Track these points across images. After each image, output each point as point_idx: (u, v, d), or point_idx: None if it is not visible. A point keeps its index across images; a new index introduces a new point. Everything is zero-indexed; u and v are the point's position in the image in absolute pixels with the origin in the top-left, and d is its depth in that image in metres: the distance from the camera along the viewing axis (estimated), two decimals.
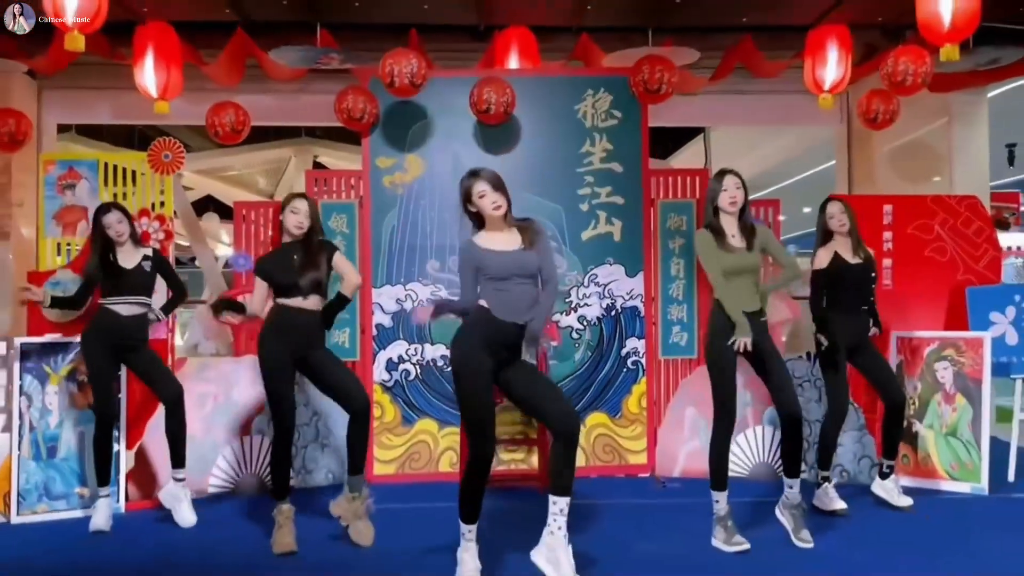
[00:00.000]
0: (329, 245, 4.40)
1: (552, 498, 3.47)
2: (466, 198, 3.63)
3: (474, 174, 3.62)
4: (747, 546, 3.97)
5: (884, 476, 4.85)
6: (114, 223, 4.67)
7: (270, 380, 4.17)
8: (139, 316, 4.70)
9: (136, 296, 4.68)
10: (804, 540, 4.03)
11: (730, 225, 4.17)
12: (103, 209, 4.73)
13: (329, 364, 4.30)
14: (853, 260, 4.76)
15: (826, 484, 4.75)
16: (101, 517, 4.55)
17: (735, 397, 4.12)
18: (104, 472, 4.65)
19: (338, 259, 4.35)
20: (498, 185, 3.60)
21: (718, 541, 4.06)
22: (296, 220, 4.27)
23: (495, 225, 3.63)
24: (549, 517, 3.47)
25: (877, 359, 4.83)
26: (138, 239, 4.84)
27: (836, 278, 4.76)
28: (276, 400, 4.18)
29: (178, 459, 4.72)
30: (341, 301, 4.32)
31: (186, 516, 4.62)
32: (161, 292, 4.93)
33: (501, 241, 3.62)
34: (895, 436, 4.84)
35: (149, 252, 4.81)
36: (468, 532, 3.54)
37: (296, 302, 4.20)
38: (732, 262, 4.09)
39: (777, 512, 4.22)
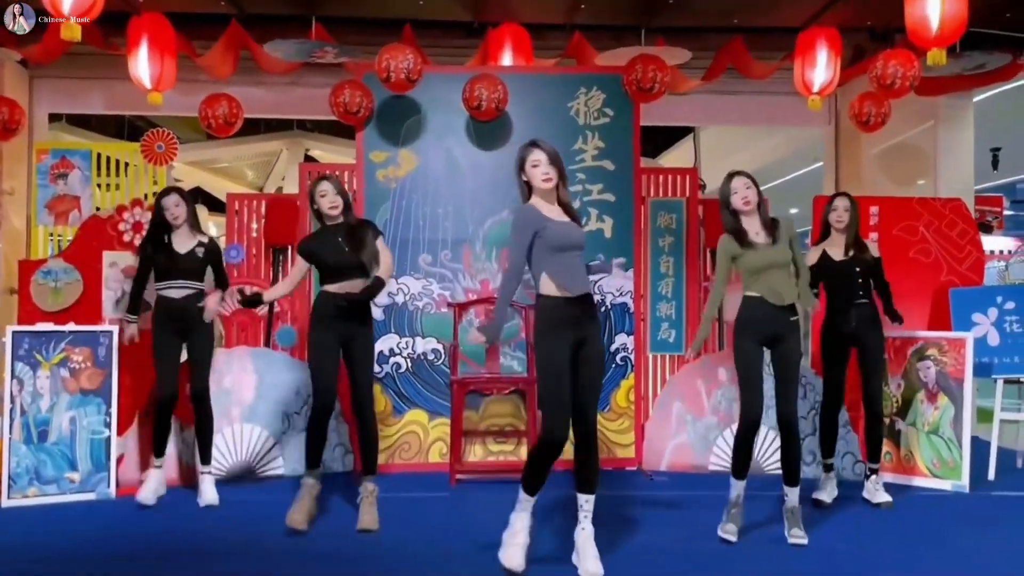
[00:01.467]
0: (373, 226, 4.46)
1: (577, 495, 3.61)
2: (520, 166, 3.62)
3: (533, 143, 3.62)
4: (733, 538, 4.05)
5: (866, 477, 4.95)
6: (171, 206, 4.72)
7: (313, 361, 4.31)
8: (193, 297, 4.74)
9: (187, 280, 4.73)
10: (796, 536, 4.07)
11: (752, 223, 4.19)
12: (163, 192, 4.80)
13: (356, 361, 4.36)
14: (839, 257, 4.86)
15: (828, 473, 4.91)
16: (150, 487, 4.71)
17: (758, 392, 4.11)
18: (160, 444, 4.80)
19: (380, 243, 4.42)
20: (554, 159, 3.58)
21: (720, 525, 4.16)
22: (329, 202, 4.34)
23: (544, 197, 3.61)
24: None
25: (868, 364, 4.82)
26: (197, 225, 4.87)
27: (822, 275, 4.88)
28: (315, 379, 4.31)
29: (204, 456, 4.84)
30: (378, 284, 4.35)
31: (207, 494, 4.75)
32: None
33: (554, 212, 3.62)
34: (870, 441, 4.89)
35: (205, 240, 4.84)
36: (525, 501, 3.60)
37: (342, 286, 4.27)
38: (757, 259, 4.12)
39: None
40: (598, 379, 3.64)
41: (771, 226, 4.18)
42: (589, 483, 3.59)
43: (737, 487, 4.19)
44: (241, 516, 4.52)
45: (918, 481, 5.28)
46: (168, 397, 4.74)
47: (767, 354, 4.22)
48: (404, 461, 5.76)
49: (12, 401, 4.85)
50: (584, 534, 3.60)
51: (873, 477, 4.87)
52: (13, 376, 4.86)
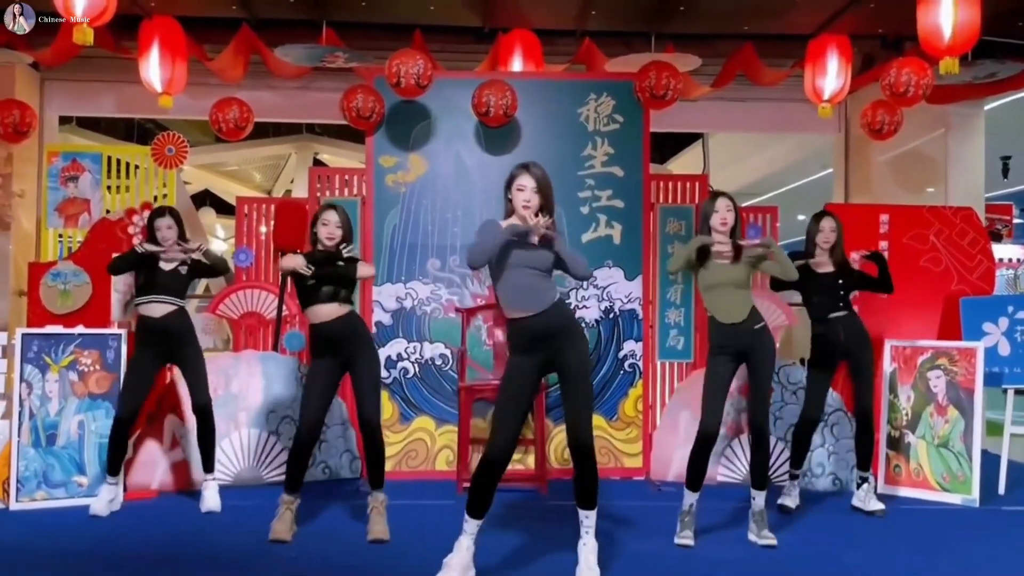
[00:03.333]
0: (352, 257, 4.41)
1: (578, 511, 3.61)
2: (507, 185, 3.64)
3: (524, 166, 3.63)
4: (691, 542, 4.14)
5: (857, 486, 4.96)
6: (163, 227, 4.70)
7: (304, 389, 4.36)
8: (174, 314, 4.71)
9: (168, 296, 4.70)
10: (766, 538, 4.17)
11: (721, 243, 4.31)
12: (157, 213, 4.80)
13: (358, 378, 4.32)
14: (822, 270, 4.91)
15: (793, 481, 4.97)
16: (104, 500, 4.64)
17: (712, 407, 4.23)
18: (115, 463, 4.70)
19: (361, 264, 4.42)
20: (541, 188, 3.59)
21: (676, 533, 4.24)
22: (327, 231, 4.34)
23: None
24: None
25: (860, 370, 4.90)
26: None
27: (803, 288, 4.93)
28: (302, 402, 4.35)
29: (207, 464, 4.85)
30: (345, 265, 4.33)
31: (208, 499, 4.75)
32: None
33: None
34: (862, 448, 4.93)
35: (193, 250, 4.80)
36: (468, 523, 3.58)
37: (318, 312, 4.26)
38: (710, 277, 4.28)
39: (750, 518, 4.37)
40: (582, 382, 3.60)
41: (737, 247, 4.28)
42: (584, 499, 3.59)
43: (690, 498, 4.26)
44: (249, 522, 4.51)
45: (928, 495, 5.23)
46: (126, 418, 4.68)
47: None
48: (411, 469, 5.75)
49: (21, 404, 4.85)
50: (586, 548, 3.58)
51: (865, 486, 4.90)
52: (22, 379, 4.86)
